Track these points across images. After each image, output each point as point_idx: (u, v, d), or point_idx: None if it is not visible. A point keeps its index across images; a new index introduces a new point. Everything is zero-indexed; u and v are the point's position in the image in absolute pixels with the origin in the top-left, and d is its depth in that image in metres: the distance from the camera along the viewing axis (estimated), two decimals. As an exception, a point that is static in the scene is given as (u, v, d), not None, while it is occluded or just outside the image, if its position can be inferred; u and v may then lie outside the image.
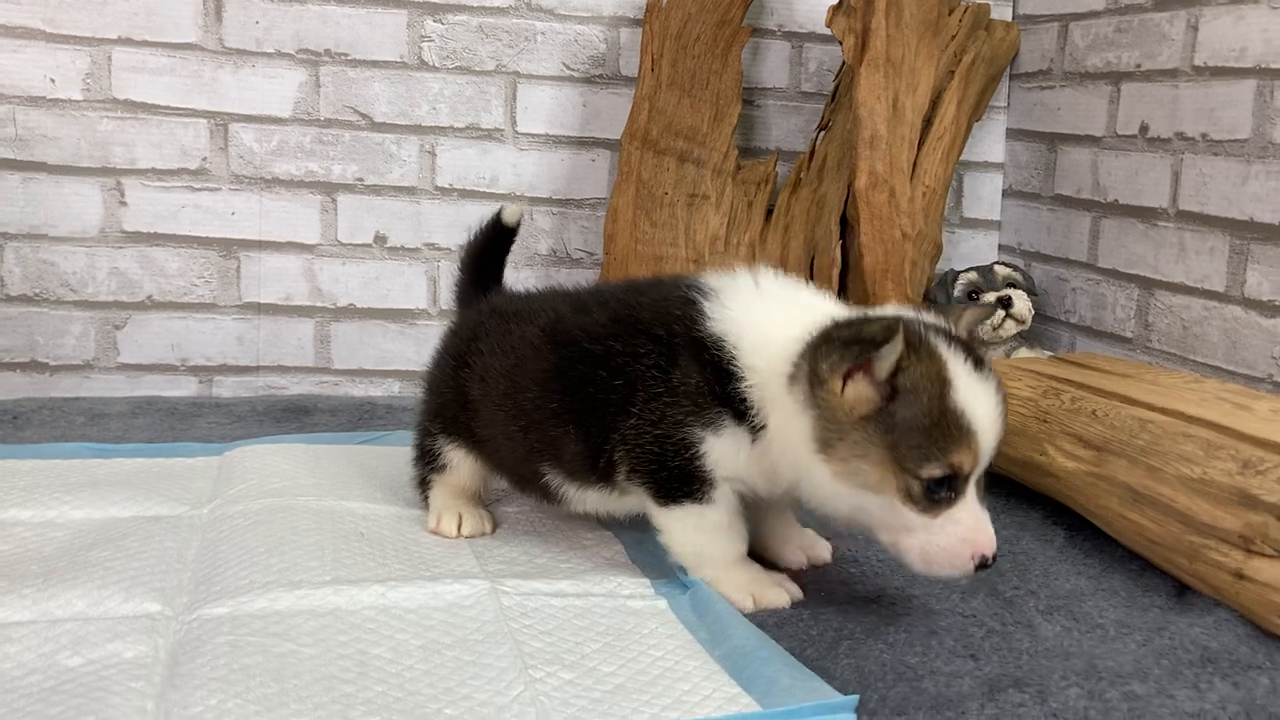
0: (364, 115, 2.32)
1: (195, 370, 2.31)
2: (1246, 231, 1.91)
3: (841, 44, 2.15)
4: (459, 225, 2.37)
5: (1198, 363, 2.02)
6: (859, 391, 1.17)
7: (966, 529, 1.18)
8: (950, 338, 1.21)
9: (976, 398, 1.17)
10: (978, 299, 2.23)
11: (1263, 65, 1.88)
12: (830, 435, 1.18)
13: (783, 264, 2.23)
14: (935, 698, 1.12)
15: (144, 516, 1.52)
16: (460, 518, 1.50)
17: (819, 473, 1.20)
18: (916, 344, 1.17)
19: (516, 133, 2.38)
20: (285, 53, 2.27)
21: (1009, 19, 2.57)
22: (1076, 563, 1.55)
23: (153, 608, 1.22)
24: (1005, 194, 2.63)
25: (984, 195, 2.64)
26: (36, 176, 2.18)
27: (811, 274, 2.19)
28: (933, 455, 1.15)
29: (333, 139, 2.31)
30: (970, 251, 2.61)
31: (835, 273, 2.10)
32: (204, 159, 2.26)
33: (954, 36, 2.38)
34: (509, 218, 1.63)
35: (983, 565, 1.19)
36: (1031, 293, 2.28)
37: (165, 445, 1.86)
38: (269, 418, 2.14)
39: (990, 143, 2.62)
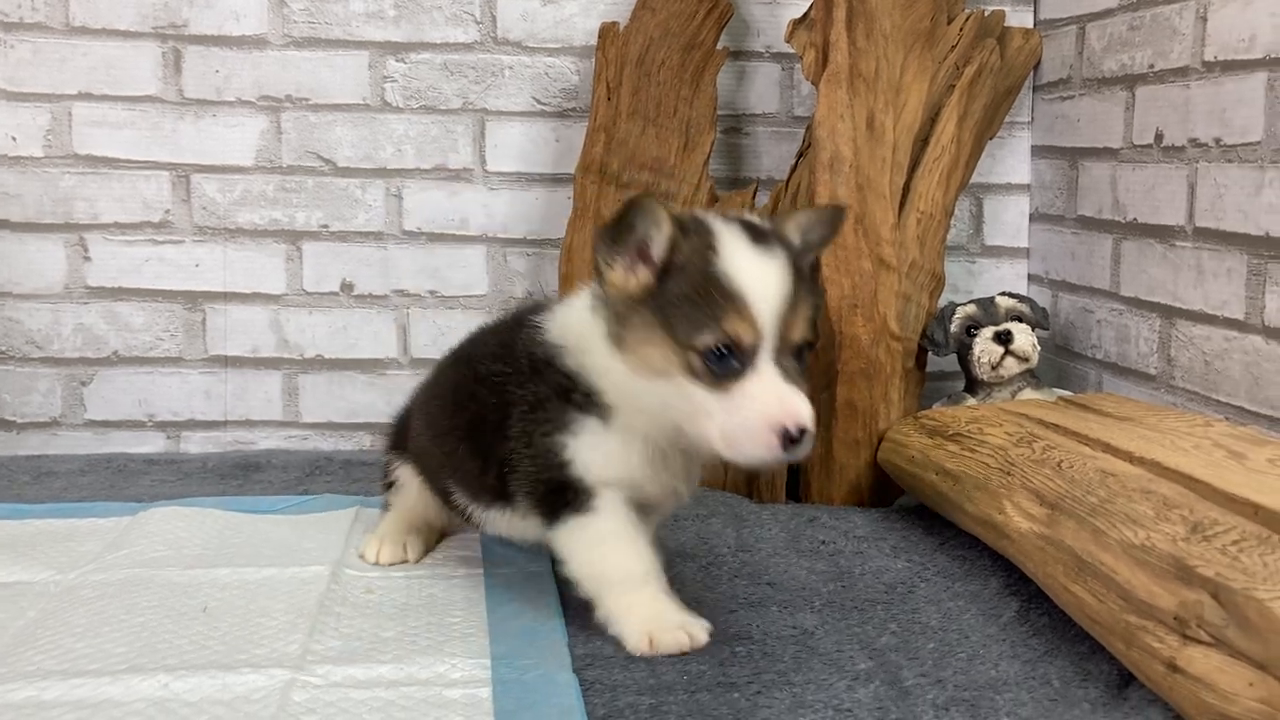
0: (327, 160, 2.24)
1: (163, 426, 2.26)
2: (1264, 249, 1.64)
3: (801, 60, 1.96)
4: (428, 270, 2.27)
5: (1221, 402, 1.74)
6: (629, 271, 1.18)
7: (762, 403, 1.14)
8: (734, 220, 1.21)
9: (747, 265, 1.16)
10: (975, 334, 1.99)
11: (1272, 55, 1.62)
12: (618, 329, 1.20)
13: (756, 301, 2.04)
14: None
15: (3, 583, 1.45)
16: (379, 545, 1.55)
17: (622, 376, 1.21)
18: (687, 222, 1.19)
19: (486, 172, 2.27)
20: (246, 100, 2.21)
21: (1030, 25, 2.33)
22: (1017, 644, 1.32)
23: (-80, 690, 1.13)
24: (1032, 218, 2.37)
25: (1008, 220, 2.39)
26: (0, 235, 2.18)
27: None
28: (703, 324, 1.15)
29: (296, 186, 2.24)
30: (994, 283, 2.36)
31: (800, 310, 1.90)
32: (166, 211, 2.22)
33: (954, 47, 2.16)
34: None
35: (790, 440, 1.13)
36: (1040, 326, 2.03)
37: (82, 505, 1.80)
38: (215, 475, 2.06)
39: (1013, 162, 2.37)
